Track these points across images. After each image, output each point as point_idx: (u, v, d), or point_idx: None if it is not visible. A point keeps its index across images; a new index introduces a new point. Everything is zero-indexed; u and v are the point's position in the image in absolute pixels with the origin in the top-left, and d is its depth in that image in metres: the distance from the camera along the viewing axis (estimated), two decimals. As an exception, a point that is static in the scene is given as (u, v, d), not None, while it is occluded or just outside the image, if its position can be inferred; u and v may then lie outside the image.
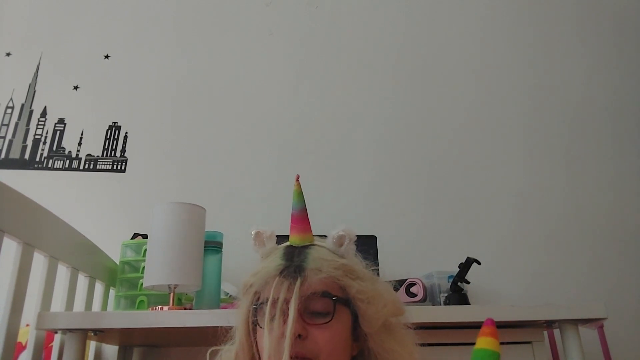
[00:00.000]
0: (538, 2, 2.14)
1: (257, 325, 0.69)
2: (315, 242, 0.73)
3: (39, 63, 1.93)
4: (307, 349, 0.64)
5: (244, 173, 1.80)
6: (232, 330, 0.75)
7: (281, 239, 0.76)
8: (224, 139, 1.85)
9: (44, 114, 1.86)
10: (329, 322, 0.65)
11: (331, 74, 1.98)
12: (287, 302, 0.64)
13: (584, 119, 1.95)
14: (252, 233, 0.75)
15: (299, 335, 0.63)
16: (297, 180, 0.74)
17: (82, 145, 1.82)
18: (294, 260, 0.68)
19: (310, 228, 0.73)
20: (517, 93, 1.98)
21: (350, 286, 0.68)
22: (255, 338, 0.71)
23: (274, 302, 0.65)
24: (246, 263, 1.34)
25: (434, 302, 1.43)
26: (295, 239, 0.72)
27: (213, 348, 0.75)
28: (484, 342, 0.40)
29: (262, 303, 0.68)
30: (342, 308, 0.68)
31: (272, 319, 0.64)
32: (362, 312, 0.68)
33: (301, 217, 0.73)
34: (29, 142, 1.82)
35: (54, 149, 1.81)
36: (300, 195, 0.74)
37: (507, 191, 1.82)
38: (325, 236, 0.74)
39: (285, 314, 0.64)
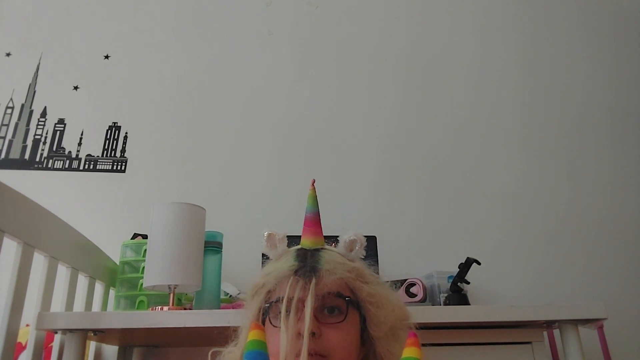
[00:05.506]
0: (538, 2, 2.14)
1: (270, 324, 0.69)
2: (326, 246, 0.74)
3: (39, 63, 1.93)
4: (321, 346, 0.65)
5: (244, 173, 1.80)
6: (232, 330, 0.75)
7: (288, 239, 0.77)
8: (224, 139, 1.85)
9: (44, 114, 1.86)
10: (342, 321, 0.67)
11: (331, 74, 1.98)
12: (302, 300, 0.66)
13: (584, 120, 1.95)
14: (265, 235, 0.75)
15: (313, 333, 0.64)
16: (313, 184, 0.77)
17: (82, 146, 1.82)
18: (308, 261, 0.70)
19: (322, 232, 0.75)
20: (517, 93, 1.98)
21: (361, 289, 0.70)
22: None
23: (289, 300, 0.66)
24: (246, 263, 1.34)
25: (434, 302, 1.43)
26: (307, 242, 0.74)
27: (215, 349, 0.75)
28: (410, 351, 0.50)
29: (275, 301, 0.69)
30: (353, 310, 0.69)
31: (286, 317, 0.66)
32: (371, 315, 0.70)
33: (314, 221, 0.75)
34: (29, 142, 1.82)
35: (54, 149, 1.81)
36: (314, 199, 0.76)
37: (507, 191, 1.82)
38: (335, 237, 0.75)
39: (299, 312, 0.65)
